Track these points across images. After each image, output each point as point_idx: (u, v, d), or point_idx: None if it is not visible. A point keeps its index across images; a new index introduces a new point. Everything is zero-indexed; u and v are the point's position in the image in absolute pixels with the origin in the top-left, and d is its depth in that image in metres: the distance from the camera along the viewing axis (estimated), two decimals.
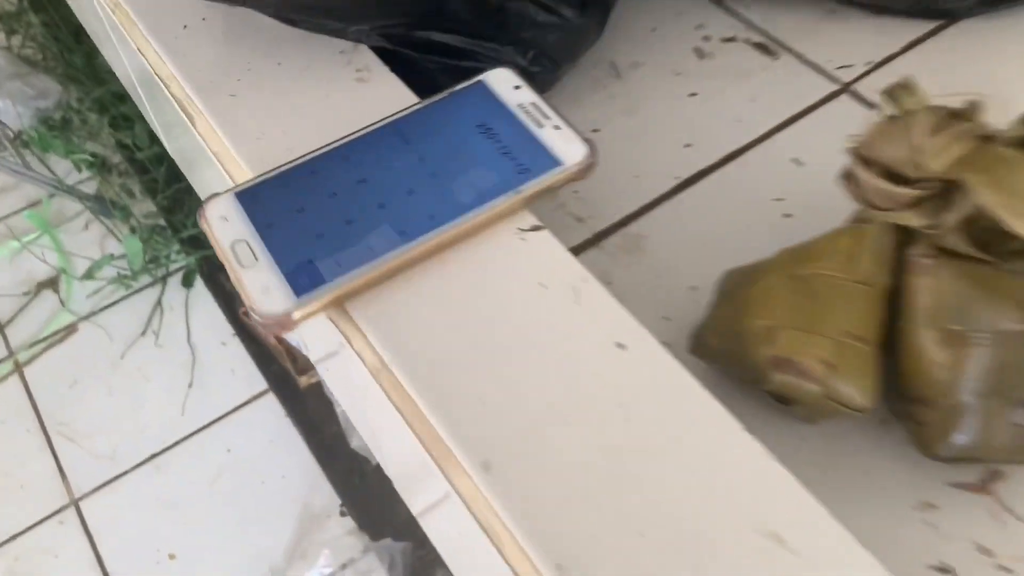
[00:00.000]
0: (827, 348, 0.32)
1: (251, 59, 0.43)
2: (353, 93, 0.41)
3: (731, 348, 0.35)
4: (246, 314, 0.34)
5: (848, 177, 0.35)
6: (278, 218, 0.36)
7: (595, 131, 0.48)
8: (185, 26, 0.45)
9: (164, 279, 1.45)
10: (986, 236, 0.32)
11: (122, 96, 1.58)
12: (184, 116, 0.42)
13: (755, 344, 0.33)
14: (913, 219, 0.33)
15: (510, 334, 0.33)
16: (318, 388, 0.95)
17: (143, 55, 0.45)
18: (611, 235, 0.43)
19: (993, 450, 0.32)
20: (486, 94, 0.40)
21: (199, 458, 1.26)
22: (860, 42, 0.50)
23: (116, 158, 1.62)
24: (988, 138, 0.32)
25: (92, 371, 1.35)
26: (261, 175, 0.37)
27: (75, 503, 1.23)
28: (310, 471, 1.23)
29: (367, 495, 1.20)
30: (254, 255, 0.35)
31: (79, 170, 1.56)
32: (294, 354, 0.87)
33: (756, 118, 0.47)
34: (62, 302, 1.43)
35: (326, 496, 1.20)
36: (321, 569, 1.12)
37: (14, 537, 1.20)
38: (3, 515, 1.22)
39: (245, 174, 0.39)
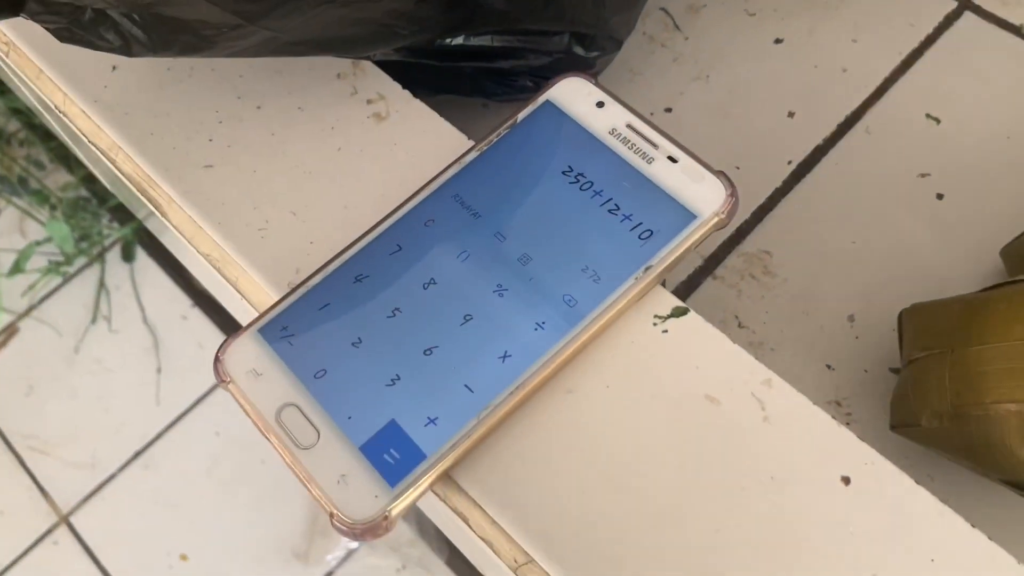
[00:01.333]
0: None
1: (218, 104, 0.32)
2: (373, 138, 0.30)
3: (962, 436, 0.26)
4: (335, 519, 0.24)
5: None
6: (330, 360, 0.26)
7: (667, 111, 0.37)
8: (114, 67, 0.33)
9: (101, 256, 1.31)
10: None
11: None
12: (147, 203, 0.31)
13: (1007, 436, 0.25)
14: None
15: (688, 480, 0.24)
16: None
17: (65, 117, 0.33)
18: (726, 257, 0.34)
19: None
20: (560, 120, 0.29)
21: (187, 448, 1.16)
22: None
23: (12, 125, 1.43)
24: None
25: (47, 373, 1.23)
26: (287, 294, 0.27)
27: (65, 520, 1.13)
28: None
29: None
30: (313, 427, 0.25)
31: None
32: None
33: (865, 64, 0.37)
34: None
35: None
36: (347, 544, 1.06)
37: (8, 568, 1.11)
38: None
39: (257, 287, 0.29)
